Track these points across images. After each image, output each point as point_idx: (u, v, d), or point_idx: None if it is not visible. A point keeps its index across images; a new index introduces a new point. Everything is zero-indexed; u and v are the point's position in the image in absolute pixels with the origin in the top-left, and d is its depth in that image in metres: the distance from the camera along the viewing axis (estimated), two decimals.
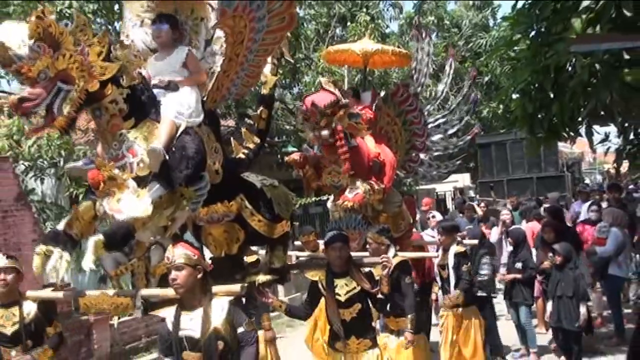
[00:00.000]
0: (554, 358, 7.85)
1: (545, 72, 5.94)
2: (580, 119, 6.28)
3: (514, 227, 9.01)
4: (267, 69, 4.58)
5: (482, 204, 12.12)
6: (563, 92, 5.91)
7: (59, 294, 4.18)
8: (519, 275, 7.82)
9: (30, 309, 4.64)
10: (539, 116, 6.36)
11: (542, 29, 6.08)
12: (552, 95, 6.07)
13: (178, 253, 3.53)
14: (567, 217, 10.02)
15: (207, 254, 4.72)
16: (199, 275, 3.58)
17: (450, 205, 20.83)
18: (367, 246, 5.91)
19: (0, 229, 7.68)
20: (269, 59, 4.54)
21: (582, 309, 6.81)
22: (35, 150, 8.84)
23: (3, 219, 7.75)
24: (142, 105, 3.86)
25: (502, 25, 17.84)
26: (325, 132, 6.29)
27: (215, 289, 3.68)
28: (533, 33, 6.26)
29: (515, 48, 6.98)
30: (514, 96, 7.08)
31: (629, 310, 9.38)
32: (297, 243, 7.60)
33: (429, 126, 8.05)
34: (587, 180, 28.95)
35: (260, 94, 4.79)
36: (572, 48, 5.26)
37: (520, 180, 16.91)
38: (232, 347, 3.59)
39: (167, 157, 3.76)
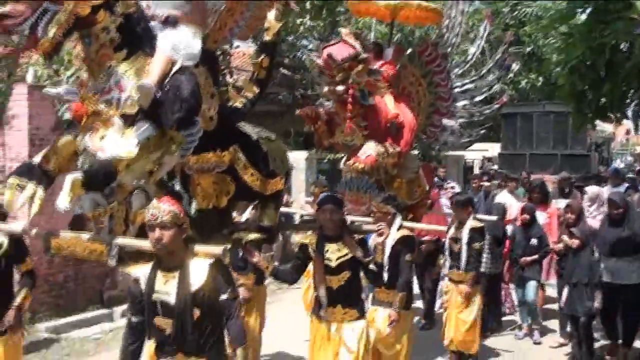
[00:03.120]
0: (557, 336, 8.20)
1: (600, 51, 5.92)
2: (629, 100, 6.32)
3: (523, 202, 9.04)
4: (272, 14, 4.51)
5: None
6: (616, 73, 5.97)
7: (31, 231, 4.21)
8: (536, 257, 7.98)
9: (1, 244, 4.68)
10: (588, 95, 6.38)
11: (600, 6, 6.02)
12: (603, 75, 6.07)
13: (165, 209, 3.48)
14: None
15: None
16: (183, 236, 3.57)
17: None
18: (371, 214, 5.94)
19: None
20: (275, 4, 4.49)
21: (597, 297, 6.85)
22: (73, 81, 8.99)
23: (40, 147, 7.94)
24: (136, 37, 3.80)
25: None
26: (340, 88, 6.27)
27: (196, 248, 3.65)
28: (590, 9, 6.20)
29: (570, 23, 6.93)
30: (558, 71, 7.10)
31: None
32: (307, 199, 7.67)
33: (456, 90, 7.98)
34: (617, 162, 28.75)
35: (263, 41, 4.73)
36: (638, 30, 5.22)
37: (544, 156, 16.75)
38: (210, 315, 3.56)
39: (158, 96, 3.71)
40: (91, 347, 8.03)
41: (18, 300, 4.78)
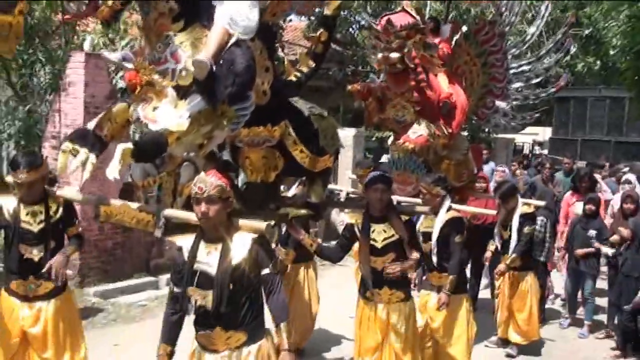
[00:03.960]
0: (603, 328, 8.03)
1: None
2: None
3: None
4: None
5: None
6: None
7: (80, 196, 4.29)
8: (592, 249, 7.79)
9: (57, 207, 4.72)
10: None
11: None
12: None
13: (212, 183, 3.47)
14: None
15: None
16: (229, 209, 3.58)
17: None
18: (420, 195, 5.87)
19: None
20: None
21: None
22: (128, 49, 9.17)
23: (94, 115, 8.14)
24: (194, 8, 3.80)
25: None
26: (395, 55, 6.15)
27: (239, 222, 3.64)
28: None
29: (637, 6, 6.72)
30: (620, 56, 6.91)
31: None
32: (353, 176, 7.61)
33: (511, 72, 7.81)
34: None
35: (323, 14, 4.68)
36: None
37: (597, 142, 16.33)
38: (249, 290, 3.56)
39: (213, 69, 3.69)
40: (137, 314, 8.20)
41: (68, 250, 4.78)
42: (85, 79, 8.38)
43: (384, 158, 11.28)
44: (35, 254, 4.66)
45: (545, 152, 18.93)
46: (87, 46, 8.64)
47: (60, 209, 4.73)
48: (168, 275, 8.92)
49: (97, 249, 8.75)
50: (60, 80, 8.81)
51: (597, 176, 9.84)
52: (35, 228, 4.65)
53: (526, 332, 6.97)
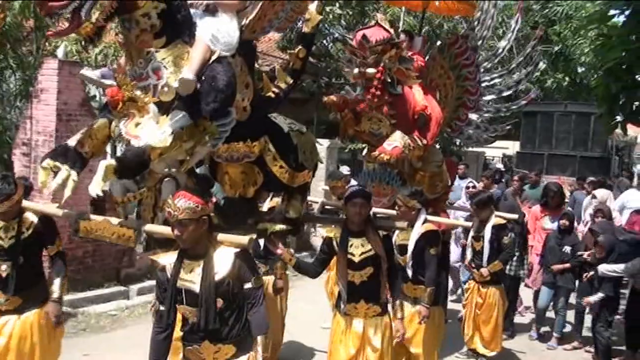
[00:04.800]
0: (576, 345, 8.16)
1: (638, 54, 5.90)
2: None
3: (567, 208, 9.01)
4: (313, 6, 4.51)
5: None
6: None
7: (60, 212, 4.27)
8: (568, 265, 7.94)
9: (31, 223, 4.70)
10: (621, 98, 6.37)
11: None
12: (639, 79, 6.07)
13: (179, 207, 3.51)
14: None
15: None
16: (205, 227, 3.61)
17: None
18: (396, 208, 5.94)
19: (64, 131, 8.22)
20: None
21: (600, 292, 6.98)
22: (101, 58, 9.11)
23: (67, 122, 8.34)
24: (176, 24, 3.82)
25: None
26: (371, 70, 6.22)
27: (221, 237, 3.69)
28: (629, 11, 6.17)
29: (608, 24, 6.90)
30: (592, 73, 7.15)
31: None
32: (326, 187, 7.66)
33: (483, 85, 7.97)
34: (639, 167, 28.65)
35: (302, 31, 4.74)
36: None
37: (563, 157, 16.55)
38: (234, 304, 3.62)
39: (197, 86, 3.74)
40: (107, 323, 8.14)
41: (57, 291, 4.79)
42: (58, 86, 8.31)
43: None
44: (4, 269, 4.65)
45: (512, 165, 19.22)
46: (60, 53, 8.56)
47: (35, 225, 4.71)
48: (139, 285, 8.96)
49: (67, 258, 8.61)
50: (32, 87, 8.72)
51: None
52: (6, 243, 4.65)
53: (490, 343, 7.07)
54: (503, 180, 13.15)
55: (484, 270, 6.83)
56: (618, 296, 7.08)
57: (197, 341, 3.63)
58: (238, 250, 3.65)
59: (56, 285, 4.82)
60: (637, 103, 6.39)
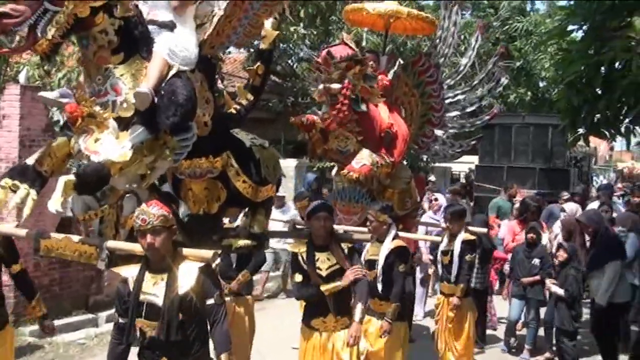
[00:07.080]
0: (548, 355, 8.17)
1: (597, 68, 6.05)
2: (622, 117, 6.47)
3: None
4: (269, 23, 4.57)
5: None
6: (612, 90, 6.09)
7: (20, 232, 4.24)
8: (537, 278, 8.02)
9: None
10: (583, 111, 6.52)
11: (598, 23, 6.15)
12: (599, 92, 6.20)
13: (154, 214, 3.51)
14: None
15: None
16: (174, 237, 3.63)
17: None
18: (368, 223, 5.97)
19: (27, 158, 7.91)
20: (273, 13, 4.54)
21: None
22: (64, 82, 9.07)
23: (30, 148, 8.13)
24: (133, 40, 3.87)
25: (556, 13, 17.66)
26: (335, 86, 6.29)
27: (185, 251, 3.69)
28: (587, 26, 6.35)
29: (568, 39, 7.10)
30: (554, 87, 7.35)
31: None
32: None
33: (447, 101, 8.08)
34: (600, 178, 29.03)
35: (259, 48, 4.81)
36: None
37: (522, 170, 16.49)
38: (195, 319, 3.60)
39: (155, 100, 3.77)
40: (75, 353, 7.99)
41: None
42: (21, 112, 8.24)
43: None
44: None
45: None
46: (22, 78, 8.50)
47: None
48: (107, 313, 8.86)
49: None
50: None
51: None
52: None
53: (462, 356, 7.07)
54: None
55: (455, 300, 6.81)
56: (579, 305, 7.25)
57: (154, 358, 3.59)
58: (202, 265, 3.63)
59: (38, 309, 5.05)
60: (598, 115, 6.56)
